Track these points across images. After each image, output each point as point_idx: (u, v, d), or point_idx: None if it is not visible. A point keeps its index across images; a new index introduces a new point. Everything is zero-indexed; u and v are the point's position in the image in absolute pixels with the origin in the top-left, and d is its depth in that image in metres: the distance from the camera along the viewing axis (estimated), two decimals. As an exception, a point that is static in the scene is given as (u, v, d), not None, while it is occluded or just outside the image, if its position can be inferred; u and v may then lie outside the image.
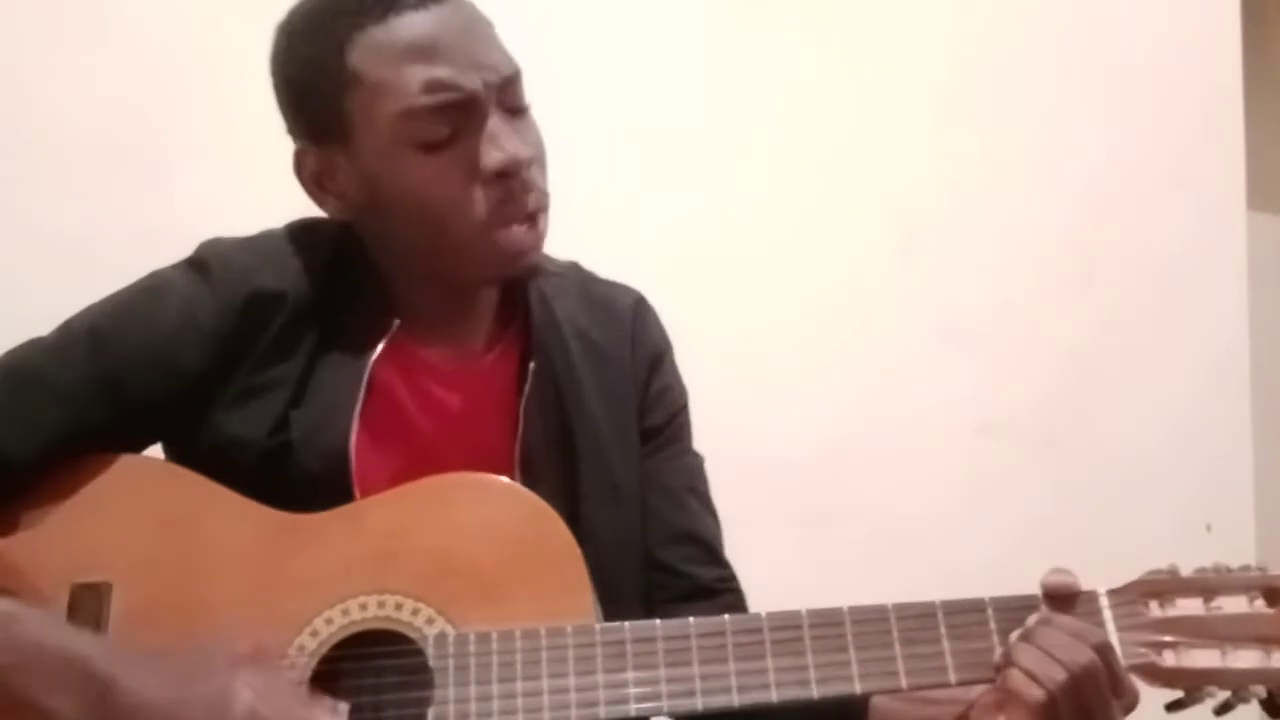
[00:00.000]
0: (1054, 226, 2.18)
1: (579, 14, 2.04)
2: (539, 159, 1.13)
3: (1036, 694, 0.96)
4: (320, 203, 1.15)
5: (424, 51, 1.06)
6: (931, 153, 2.14)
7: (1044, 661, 0.97)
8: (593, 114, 2.00)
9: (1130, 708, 0.99)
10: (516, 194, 1.09)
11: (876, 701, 1.10)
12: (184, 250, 1.18)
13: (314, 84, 1.10)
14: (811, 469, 2.02)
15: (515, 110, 1.11)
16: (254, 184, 1.76)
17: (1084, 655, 0.97)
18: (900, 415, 2.08)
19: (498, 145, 1.08)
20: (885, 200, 2.12)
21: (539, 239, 1.12)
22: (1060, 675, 0.96)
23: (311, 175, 1.14)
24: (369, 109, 1.08)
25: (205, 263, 1.14)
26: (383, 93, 1.07)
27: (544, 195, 1.12)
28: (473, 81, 1.07)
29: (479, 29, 1.10)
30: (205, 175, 1.84)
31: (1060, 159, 2.19)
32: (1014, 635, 1.00)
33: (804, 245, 2.09)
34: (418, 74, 1.06)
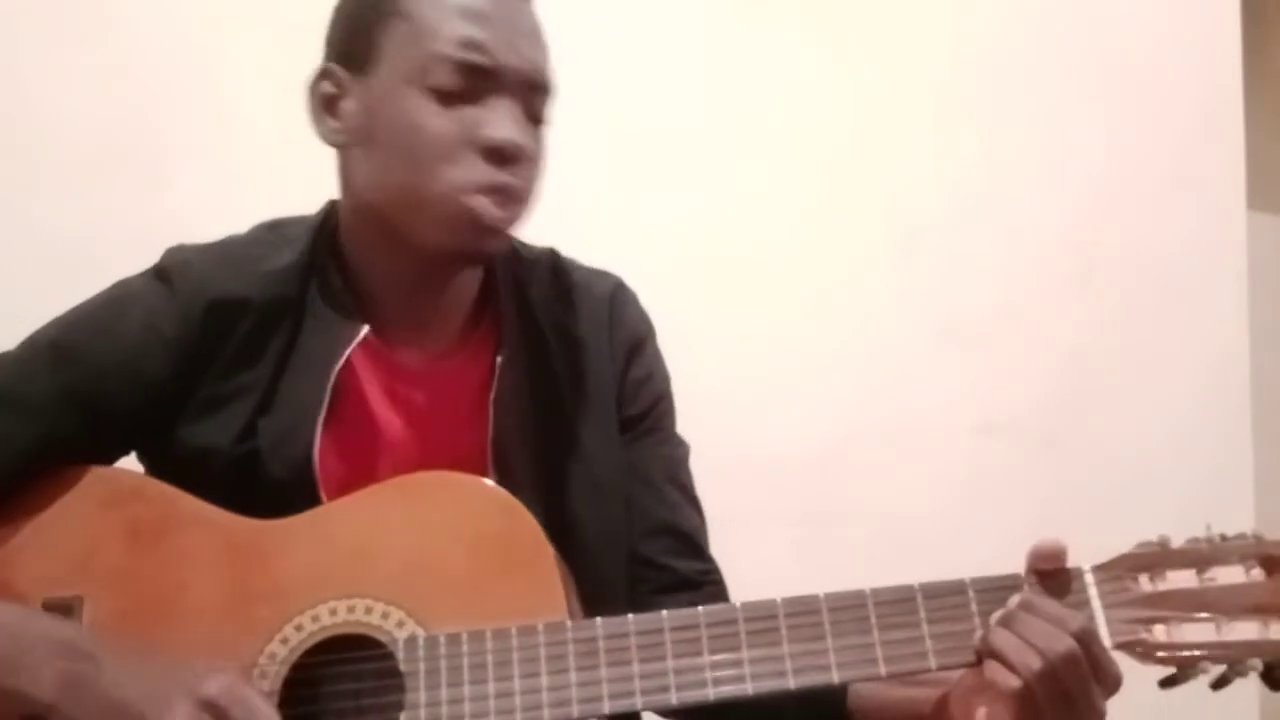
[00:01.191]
0: (1054, 226, 2.17)
1: (579, 13, 2.03)
2: (535, 166, 1.13)
3: (1013, 683, 0.94)
4: (319, 123, 1.15)
5: (474, 15, 1.10)
6: (931, 153, 2.14)
7: (1021, 649, 0.94)
8: (593, 114, 2.00)
9: (1113, 690, 0.96)
10: (498, 172, 1.09)
11: (857, 686, 1.09)
12: (184, 250, 1.18)
13: (361, 11, 1.14)
14: (811, 469, 2.01)
15: (533, 118, 1.13)
16: (254, 184, 1.77)
17: (1062, 643, 0.94)
18: (900, 415, 2.08)
19: (502, 124, 1.09)
20: (885, 200, 2.12)
21: (504, 223, 1.11)
22: (1037, 664, 0.93)
23: (322, 97, 1.15)
24: (403, 44, 1.10)
25: (168, 271, 1.14)
26: (422, 33, 1.10)
27: (525, 193, 1.12)
28: (506, 59, 1.10)
29: (532, 31, 1.14)
30: (205, 175, 1.84)
31: (1060, 159, 2.19)
32: (994, 618, 0.98)
33: (804, 245, 2.09)
34: (460, 28, 1.09)
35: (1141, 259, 2.19)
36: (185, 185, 1.84)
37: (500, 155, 1.08)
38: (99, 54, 1.85)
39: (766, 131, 2.10)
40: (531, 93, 1.12)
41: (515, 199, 1.11)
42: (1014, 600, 0.98)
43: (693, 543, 1.24)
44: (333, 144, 1.15)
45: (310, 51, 1.19)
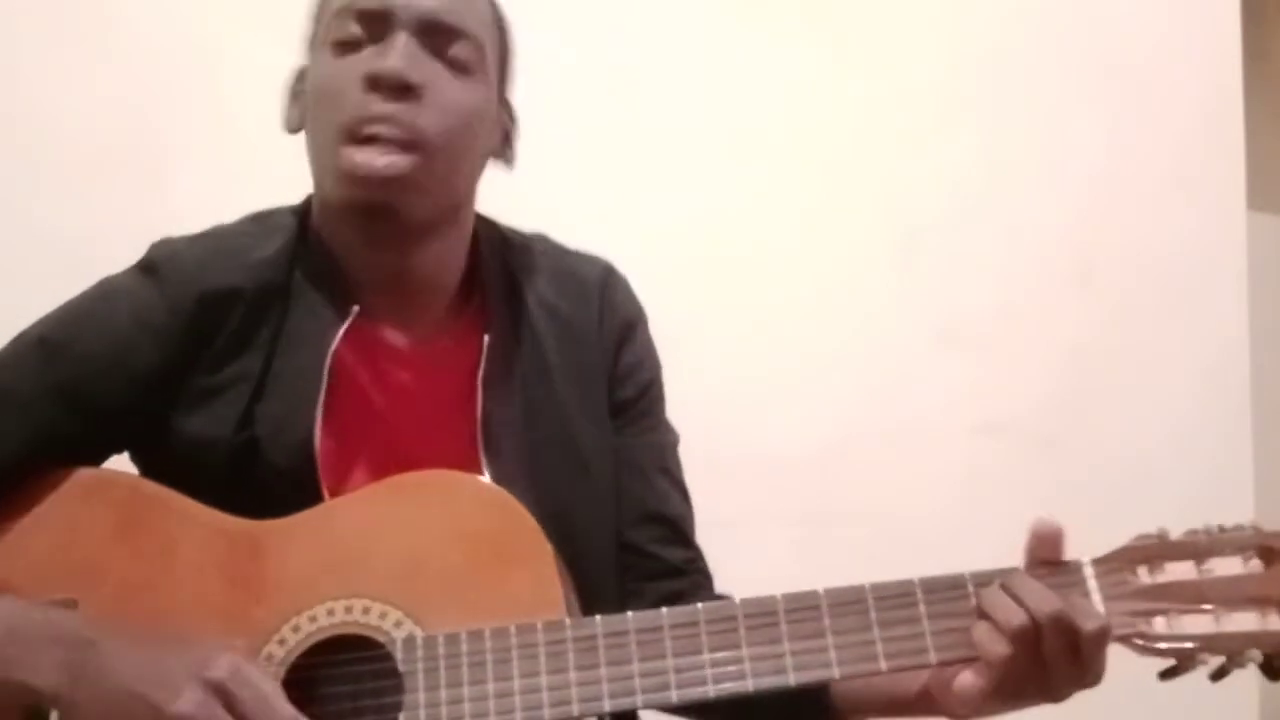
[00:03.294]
0: (1054, 226, 2.17)
1: (579, 14, 2.04)
2: (437, 108, 1.09)
3: (1000, 649, 0.94)
4: (288, 112, 1.18)
5: None
6: (931, 153, 2.14)
7: (1009, 608, 0.95)
8: (593, 113, 2.00)
9: (1090, 671, 0.96)
10: (378, 101, 1.07)
11: None
12: (184, 250, 1.18)
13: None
14: (811, 469, 2.01)
15: (449, 62, 1.11)
16: (254, 184, 1.76)
17: (1051, 604, 0.94)
18: (900, 415, 2.08)
19: (388, 55, 1.08)
20: (885, 200, 2.12)
21: (383, 171, 1.06)
22: (1022, 619, 0.94)
23: (293, 92, 1.18)
24: (319, 17, 1.15)
25: (155, 264, 1.14)
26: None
27: (413, 131, 1.08)
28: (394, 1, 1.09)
29: None
30: (205, 175, 1.84)
31: (1060, 159, 2.19)
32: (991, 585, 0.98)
33: (804, 245, 2.09)
34: None
35: (1141, 259, 2.19)
36: (185, 185, 1.84)
37: (377, 83, 1.07)
38: (99, 54, 1.85)
39: (766, 131, 2.10)
40: (437, 34, 1.10)
41: (396, 138, 1.07)
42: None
43: (679, 531, 1.24)
44: (292, 131, 1.16)
45: (310, 51, 1.19)
